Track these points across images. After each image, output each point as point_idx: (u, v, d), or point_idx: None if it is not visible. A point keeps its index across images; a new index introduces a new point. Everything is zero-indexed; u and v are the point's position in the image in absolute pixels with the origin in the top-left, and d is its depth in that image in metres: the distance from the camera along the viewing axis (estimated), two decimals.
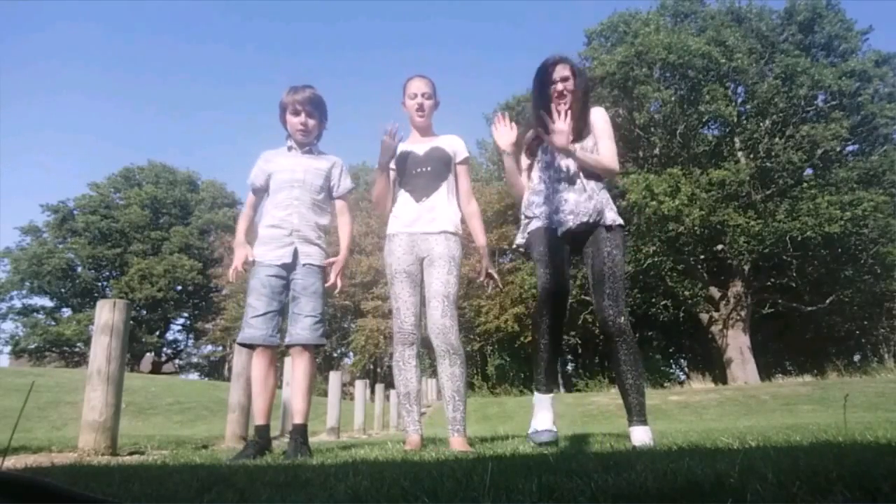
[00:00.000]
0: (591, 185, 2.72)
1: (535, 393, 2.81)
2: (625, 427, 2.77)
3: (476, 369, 26.73)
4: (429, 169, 2.99)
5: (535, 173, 2.87)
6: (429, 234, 2.93)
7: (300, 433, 2.89)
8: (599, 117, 2.82)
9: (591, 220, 2.66)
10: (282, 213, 2.98)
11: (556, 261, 2.68)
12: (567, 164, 2.75)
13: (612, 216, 2.70)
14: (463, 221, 3.05)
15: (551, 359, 2.75)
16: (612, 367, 2.70)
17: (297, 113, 3.01)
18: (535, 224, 2.76)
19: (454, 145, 3.09)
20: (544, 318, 2.71)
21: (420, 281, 2.97)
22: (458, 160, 3.09)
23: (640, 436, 2.53)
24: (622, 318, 2.58)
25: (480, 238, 3.08)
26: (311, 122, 3.04)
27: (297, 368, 2.96)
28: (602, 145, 2.76)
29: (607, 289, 2.60)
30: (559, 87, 2.75)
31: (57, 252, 35.31)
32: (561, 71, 2.76)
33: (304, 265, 2.97)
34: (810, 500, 0.94)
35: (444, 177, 3.01)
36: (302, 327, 2.91)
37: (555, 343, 2.75)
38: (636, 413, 2.58)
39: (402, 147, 3.05)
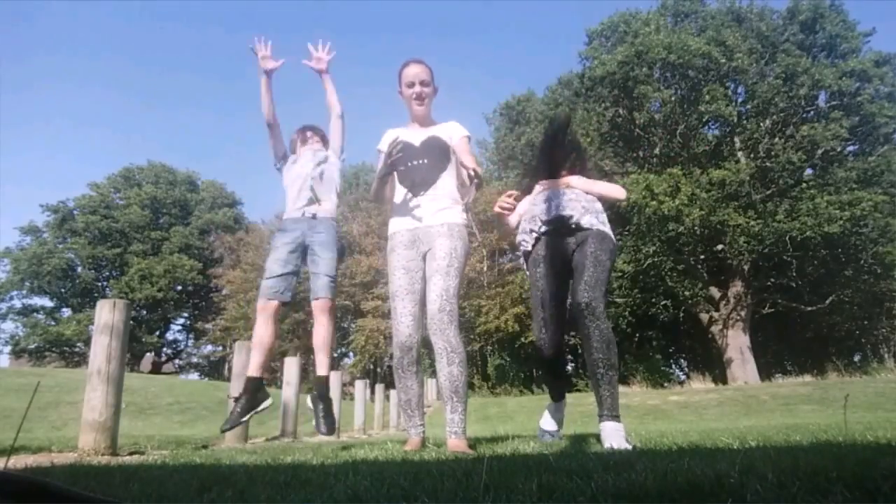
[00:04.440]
0: (578, 194, 2.94)
1: (550, 402, 3.15)
2: (625, 427, 2.72)
3: (476, 369, 26.72)
4: (426, 161, 2.84)
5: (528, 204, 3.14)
6: (430, 227, 2.78)
7: (324, 385, 3.26)
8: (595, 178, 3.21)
9: (572, 218, 2.82)
10: (294, 195, 3.44)
11: (550, 320, 2.84)
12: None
13: (598, 223, 2.84)
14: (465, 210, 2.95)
15: (561, 383, 3.16)
16: (584, 354, 2.63)
17: (305, 142, 3.61)
18: (525, 245, 3.01)
19: (451, 130, 2.93)
20: (545, 370, 3.09)
21: (420, 278, 2.79)
22: (456, 139, 2.91)
23: (612, 432, 2.42)
24: (597, 303, 2.55)
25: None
26: (317, 140, 3.65)
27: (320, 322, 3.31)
28: (599, 185, 3.09)
29: (586, 276, 2.63)
30: (564, 179, 3.06)
31: (57, 252, 35.31)
32: (563, 163, 3.11)
33: (316, 218, 3.37)
34: (810, 500, 0.94)
35: (443, 167, 2.85)
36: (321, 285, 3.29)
37: (560, 380, 3.15)
38: (608, 407, 2.47)
39: (398, 137, 2.92)
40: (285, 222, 3.49)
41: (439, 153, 2.86)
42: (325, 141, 3.62)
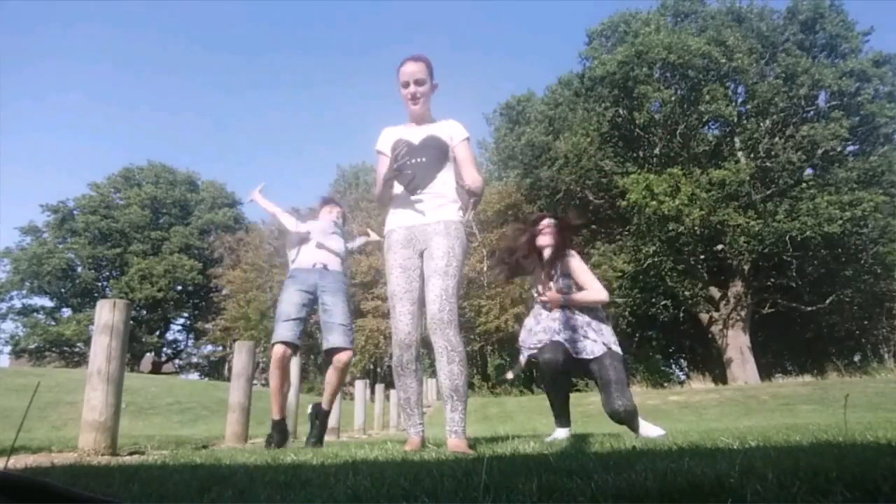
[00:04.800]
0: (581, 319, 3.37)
1: (556, 427, 3.52)
2: (624, 427, 3.31)
3: (476, 369, 26.71)
4: (424, 159, 2.81)
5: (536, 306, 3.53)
6: (427, 224, 2.76)
7: (323, 415, 3.87)
8: (575, 262, 3.50)
9: (593, 353, 3.26)
10: (307, 247, 3.93)
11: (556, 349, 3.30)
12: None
13: (610, 342, 3.30)
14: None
15: (563, 402, 3.49)
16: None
17: (329, 212, 4.18)
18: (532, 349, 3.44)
19: (451, 130, 2.90)
20: (551, 391, 3.45)
21: (418, 276, 2.77)
22: (456, 142, 2.89)
23: (649, 428, 3.19)
24: (629, 404, 3.16)
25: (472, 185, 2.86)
26: (338, 211, 4.27)
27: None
28: (585, 282, 3.41)
29: (614, 387, 3.16)
30: (542, 240, 3.53)
31: (57, 252, 35.29)
32: (547, 226, 3.58)
33: (328, 269, 3.80)
34: (810, 500, 0.94)
35: (441, 165, 2.83)
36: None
37: (565, 397, 3.51)
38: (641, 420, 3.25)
39: (396, 136, 2.91)
40: (295, 272, 3.81)
41: (437, 152, 2.84)
42: (344, 217, 4.29)
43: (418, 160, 2.83)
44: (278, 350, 3.56)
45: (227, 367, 33.75)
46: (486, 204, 25.01)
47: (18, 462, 2.74)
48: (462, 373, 2.63)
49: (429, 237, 2.76)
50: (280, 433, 3.77)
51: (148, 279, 35.45)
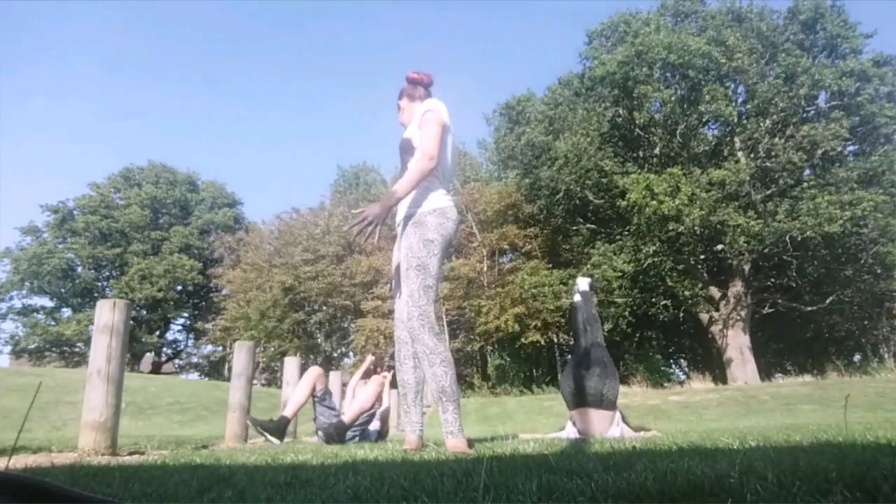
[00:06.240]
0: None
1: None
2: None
3: (476, 369, 26.69)
4: (402, 167, 2.96)
5: None
6: (398, 224, 2.84)
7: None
8: None
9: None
10: None
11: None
12: None
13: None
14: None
15: None
16: None
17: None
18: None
19: (417, 117, 2.85)
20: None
21: None
22: (418, 121, 2.81)
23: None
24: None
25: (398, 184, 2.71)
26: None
27: None
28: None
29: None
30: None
31: (57, 252, 35.28)
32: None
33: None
34: (810, 500, 0.94)
35: (409, 158, 2.85)
36: None
37: None
38: None
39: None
40: None
41: (404, 154, 2.91)
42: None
43: (403, 168, 2.95)
44: None
45: (227, 367, 33.75)
46: (486, 204, 25.00)
47: (18, 462, 2.73)
48: (446, 373, 2.62)
49: (401, 236, 2.82)
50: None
51: (148, 279, 35.45)
